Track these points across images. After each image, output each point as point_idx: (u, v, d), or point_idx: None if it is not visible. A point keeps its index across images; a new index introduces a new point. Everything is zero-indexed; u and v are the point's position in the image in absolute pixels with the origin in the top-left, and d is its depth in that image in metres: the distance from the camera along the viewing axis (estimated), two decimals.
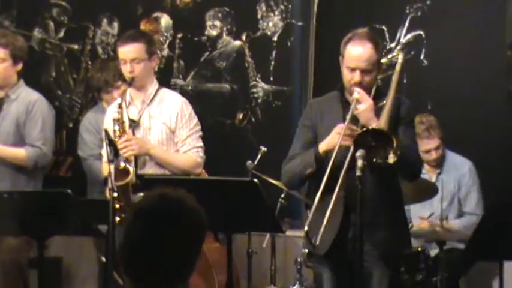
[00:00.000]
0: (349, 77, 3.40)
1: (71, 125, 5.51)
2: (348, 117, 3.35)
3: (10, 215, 3.66)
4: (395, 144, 3.19)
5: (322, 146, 3.39)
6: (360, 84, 3.38)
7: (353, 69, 3.39)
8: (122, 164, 3.83)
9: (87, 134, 4.78)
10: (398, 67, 3.55)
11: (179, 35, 5.33)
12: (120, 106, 3.97)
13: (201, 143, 4.10)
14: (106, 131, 3.76)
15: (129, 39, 4.02)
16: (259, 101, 5.18)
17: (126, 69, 4.00)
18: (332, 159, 3.29)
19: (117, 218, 3.71)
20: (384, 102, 3.37)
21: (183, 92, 4.94)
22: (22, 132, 4.40)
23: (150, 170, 3.99)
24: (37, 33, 5.59)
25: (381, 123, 3.28)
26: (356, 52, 3.38)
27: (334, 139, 3.33)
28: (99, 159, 4.68)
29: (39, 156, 4.38)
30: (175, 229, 2.09)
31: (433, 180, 4.56)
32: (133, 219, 2.12)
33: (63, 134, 5.50)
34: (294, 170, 3.47)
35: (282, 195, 4.45)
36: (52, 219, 3.59)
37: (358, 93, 3.36)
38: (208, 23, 5.27)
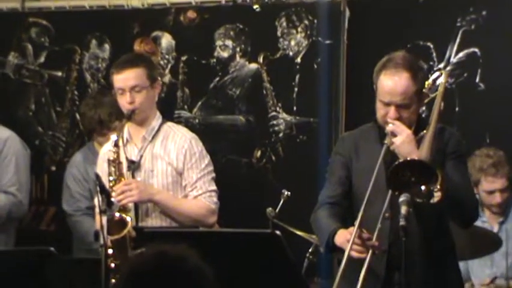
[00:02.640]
0: (382, 112, 3.44)
1: (53, 168, 5.55)
2: (380, 158, 3.35)
3: None
4: (440, 179, 3.19)
5: (339, 238, 3.36)
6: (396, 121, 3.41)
7: (387, 104, 3.44)
8: (118, 215, 3.87)
9: (73, 184, 4.81)
10: (440, 89, 3.57)
11: (183, 58, 5.38)
12: (116, 144, 3.98)
13: (214, 186, 4.12)
14: (97, 176, 3.80)
15: (127, 64, 4.07)
16: (281, 135, 5.21)
17: (125, 101, 4.04)
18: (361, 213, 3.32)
19: (113, 280, 3.74)
20: (424, 132, 3.40)
21: (189, 126, 4.97)
22: None
23: (153, 221, 4.02)
24: (12, 58, 5.67)
25: (421, 154, 3.30)
26: (389, 84, 3.40)
27: (344, 245, 3.32)
28: (87, 214, 4.72)
29: (14, 204, 4.42)
30: None
31: (495, 230, 4.54)
32: (125, 283, 2.15)
33: (45, 179, 5.55)
34: (316, 231, 3.55)
35: (310, 250, 4.46)
36: (31, 283, 3.62)
37: (393, 124, 3.40)
38: (218, 42, 5.33)
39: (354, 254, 3.28)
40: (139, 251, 3.71)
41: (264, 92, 5.23)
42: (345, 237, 3.32)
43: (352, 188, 3.52)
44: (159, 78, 4.27)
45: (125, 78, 4.03)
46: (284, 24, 5.20)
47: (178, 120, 5.17)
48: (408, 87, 3.41)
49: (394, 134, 3.39)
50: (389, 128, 3.41)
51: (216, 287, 2.17)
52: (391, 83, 3.41)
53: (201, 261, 2.18)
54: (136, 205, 4.01)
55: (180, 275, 2.14)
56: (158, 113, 4.21)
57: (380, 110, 3.44)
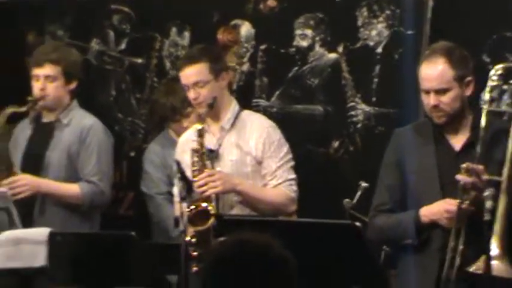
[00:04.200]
0: (425, 101, 3.46)
1: (132, 154, 5.61)
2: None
3: (63, 260, 3.79)
4: None
5: (425, 217, 3.39)
6: (437, 108, 3.41)
7: (427, 92, 3.42)
8: (203, 205, 3.90)
9: (152, 169, 4.85)
10: None
11: (262, 47, 5.38)
12: (200, 134, 4.01)
13: (293, 175, 4.14)
14: (178, 163, 3.84)
15: (187, 61, 4.10)
16: (359, 126, 5.18)
17: (190, 96, 4.09)
18: None
19: (194, 268, 3.78)
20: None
21: (266, 115, 4.96)
22: (75, 164, 4.51)
23: (232, 210, 4.03)
24: (95, 44, 5.75)
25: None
26: (426, 71, 3.49)
27: (441, 218, 3.34)
28: (167, 199, 4.78)
29: (96, 194, 4.48)
30: (259, 283, 2.13)
31: None
32: (209, 272, 2.16)
33: (124, 165, 5.63)
34: (386, 233, 3.53)
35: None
36: (113, 267, 3.70)
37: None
38: (298, 31, 5.32)
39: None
40: (222, 239, 3.79)
41: (343, 82, 5.20)
42: (444, 209, 3.30)
43: (406, 186, 3.52)
44: (228, 67, 4.27)
45: (186, 76, 4.07)
46: (365, 13, 5.16)
47: (256, 109, 5.16)
48: (444, 71, 3.44)
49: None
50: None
51: (297, 277, 2.18)
52: (427, 68, 3.48)
53: (284, 251, 2.19)
54: (217, 195, 4.02)
55: (263, 264, 2.15)
56: (235, 102, 4.23)
57: (424, 100, 3.48)
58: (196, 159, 4.00)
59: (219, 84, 4.10)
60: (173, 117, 4.78)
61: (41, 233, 3.80)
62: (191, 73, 4.05)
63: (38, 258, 3.75)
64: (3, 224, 4.07)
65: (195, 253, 3.87)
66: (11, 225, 4.07)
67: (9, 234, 3.91)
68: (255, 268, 2.13)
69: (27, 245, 3.77)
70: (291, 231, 3.37)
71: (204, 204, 3.91)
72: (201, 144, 4.01)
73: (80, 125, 4.54)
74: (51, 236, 3.79)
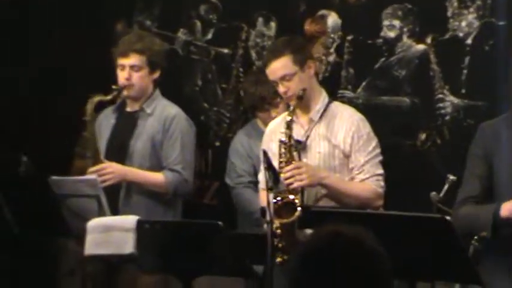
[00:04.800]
0: None
1: (218, 144, 5.65)
2: None
3: (151, 248, 3.84)
4: None
5: (506, 211, 3.31)
6: None
7: None
8: (290, 197, 3.89)
9: (237, 159, 4.87)
10: None
11: (349, 37, 5.34)
12: (288, 126, 3.99)
13: (381, 170, 4.09)
14: (265, 152, 3.84)
15: (272, 56, 4.08)
16: (447, 118, 5.10)
17: (280, 91, 4.08)
18: None
19: (278, 259, 3.79)
20: None
21: (352, 107, 4.95)
22: (159, 153, 4.54)
23: (318, 203, 4.01)
24: (181, 34, 5.79)
25: None
26: None
27: None
28: (248, 187, 4.80)
29: (180, 182, 4.50)
30: (353, 277, 2.11)
31: None
32: (301, 263, 2.14)
33: (209, 154, 5.66)
34: (466, 224, 3.45)
35: (476, 237, 4.35)
36: (199, 256, 3.73)
37: None
38: (385, 22, 5.26)
39: None
40: (307, 231, 3.79)
41: (431, 73, 5.13)
42: None
43: (494, 181, 3.44)
44: (312, 56, 4.24)
45: (272, 71, 4.05)
46: (455, 4, 5.07)
47: (341, 100, 5.12)
48: None
49: None
50: None
51: (390, 271, 2.16)
52: None
53: (377, 244, 2.16)
54: (303, 188, 3.99)
55: (356, 257, 2.12)
56: (324, 93, 4.20)
57: None
58: (283, 150, 3.98)
59: (306, 73, 4.08)
60: (261, 107, 4.79)
61: (129, 220, 3.85)
62: (276, 68, 4.03)
63: (127, 245, 3.80)
64: (92, 212, 4.14)
65: (280, 244, 3.87)
66: (101, 213, 4.14)
67: (99, 221, 3.97)
68: (349, 260, 2.11)
69: (116, 232, 3.83)
70: (379, 223, 3.34)
71: (291, 197, 3.89)
72: (289, 136, 3.99)
73: (163, 115, 4.57)
74: (140, 223, 3.83)
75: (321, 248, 2.15)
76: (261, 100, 4.76)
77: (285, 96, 4.07)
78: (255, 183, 4.78)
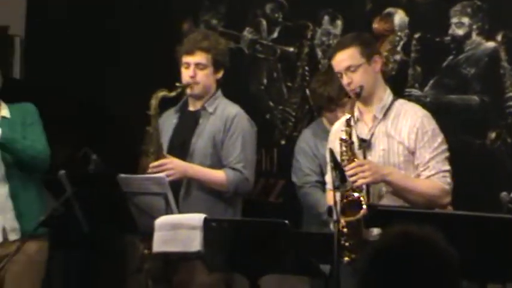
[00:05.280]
0: None
1: (283, 142, 5.66)
2: None
3: (218, 246, 3.86)
4: None
5: None
6: None
7: None
8: (355, 195, 3.88)
9: (303, 158, 4.86)
10: None
11: (416, 35, 5.29)
12: (348, 124, 3.98)
13: (447, 166, 4.04)
14: (331, 151, 3.83)
15: (339, 47, 4.07)
16: None
17: (344, 82, 4.06)
18: None
19: (346, 258, 3.77)
20: None
21: (420, 105, 4.91)
22: (219, 152, 4.55)
23: (384, 201, 3.97)
24: (247, 33, 5.81)
25: None
26: None
27: None
28: (316, 186, 4.79)
29: (241, 181, 4.50)
30: (423, 277, 2.09)
31: None
32: (370, 264, 2.13)
33: (274, 152, 5.67)
34: None
35: None
36: (266, 254, 3.73)
37: None
38: (454, 20, 5.20)
39: None
40: (374, 230, 3.77)
41: (501, 71, 5.05)
42: None
43: None
44: (380, 51, 4.22)
45: (338, 61, 4.04)
46: None
47: (408, 99, 5.06)
48: None
49: None
50: None
51: (460, 273, 2.14)
52: None
53: (448, 245, 2.14)
54: (368, 186, 3.98)
55: (426, 257, 2.10)
56: (388, 90, 4.17)
57: None
58: (344, 149, 3.97)
59: (372, 67, 4.06)
60: (328, 107, 4.78)
61: (197, 218, 3.87)
62: (342, 58, 4.02)
63: (194, 243, 3.83)
64: (160, 209, 4.17)
65: (347, 243, 3.85)
66: (168, 211, 4.17)
67: (166, 218, 4.01)
68: (419, 261, 2.09)
69: (184, 230, 3.85)
70: (447, 223, 3.30)
71: (355, 195, 3.88)
72: (349, 134, 3.97)
73: (224, 114, 4.57)
74: (206, 221, 3.85)
75: (390, 248, 2.13)
76: (329, 100, 4.75)
77: (348, 88, 4.04)
78: (322, 183, 4.78)
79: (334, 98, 4.71)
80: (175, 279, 4.42)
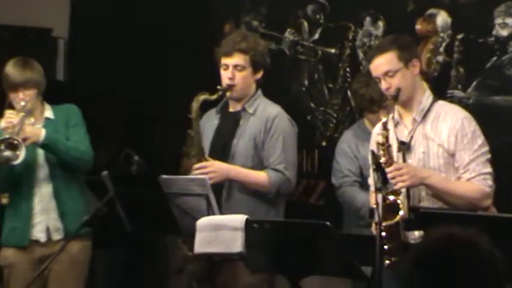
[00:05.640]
0: None
1: (324, 144, 5.65)
2: None
3: (259, 247, 3.86)
4: None
5: None
6: None
7: None
8: (392, 198, 3.87)
9: (343, 159, 4.86)
10: None
11: (459, 36, 5.24)
12: (385, 127, 3.95)
13: (489, 169, 3.99)
14: (373, 153, 3.81)
15: (377, 52, 4.03)
16: None
17: (382, 87, 4.04)
18: None
19: (386, 261, 3.75)
20: None
21: (462, 107, 4.83)
22: (260, 153, 4.54)
23: (424, 203, 3.94)
24: (288, 34, 5.81)
25: None
26: None
27: None
28: (353, 185, 4.78)
29: (283, 182, 4.49)
30: (468, 280, 2.07)
31: None
32: (414, 267, 2.12)
33: (315, 154, 5.66)
34: None
35: None
36: (308, 255, 3.73)
37: None
38: (498, 20, 5.14)
39: None
40: (415, 232, 3.75)
41: None
42: None
43: None
44: (417, 55, 4.19)
45: (376, 66, 4.00)
46: None
47: (451, 100, 5.03)
48: None
49: None
50: None
51: (505, 275, 2.12)
52: None
53: (493, 247, 2.12)
54: (408, 189, 3.94)
55: (470, 260, 2.09)
56: (428, 92, 4.13)
57: None
58: (382, 152, 3.94)
59: (410, 71, 4.02)
60: (370, 108, 4.76)
61: (238, 219, 3.88)
62: (380, 63, 3.99)
63: (236, 244, 3.83)
64: (201, 210, 4.18)
65: (386, 246, 3.83)
66: (209, 212, 4.18)
67: (208, 220, 4.01)
68: (463, 264, 2.08)
69: (225, 231, 3.86)
70: (490, 225, 3.27)
71: (391, 197, 3.85)
72: (386, 137, 3.94)
73: (264, 115, 4.57)
74: (248, 223, 3.86)
75: (434, 251, 2.12)
76: (371, 102, 4.73)
77: (387, 93, 4.02)
78: (360, 183, 4.76)
79: (376, 99, 4.68)
80: (219, 280, 4.44)
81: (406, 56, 4.00)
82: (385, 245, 3.81)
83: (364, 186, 4.68)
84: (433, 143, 4.01)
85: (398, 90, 3.97)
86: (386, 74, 3.98)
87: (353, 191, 4.78)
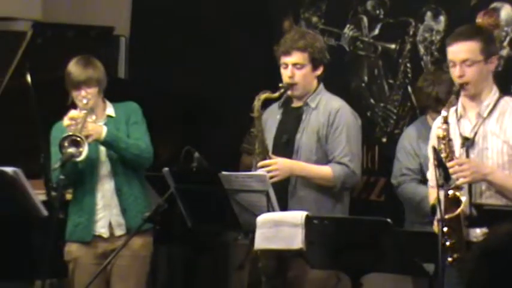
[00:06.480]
0: None
1: (384, 140, 5.60)
2: None
3: (319, 244, 3.83)
4: None
5: None
6: None
7: None
8: (451, 192, 3.80)
9: (404, 157, 4.80)
10: None
11: None
12: (445, 121, 3.88)
13: None
14: (435, 149, 3.75)
15: (461, 37, 3.94)
16: None
17: (454, 74, 3.95)
18: None
19: (449, 258, 3.70)
20: None
21: None
22: (324, 147, 4.52)
23: (487, 200, 3.89)
24: (348, 30, 5.77)
25: None
26: None
27: None
28: (411, 182, 4.73)
29: (347, 175, 4.47)
30: None
31: None
32: (480, 264, 2.09)
33: (376, 150, 5.61)
34: None
35: None
36: (368, 252, 3.70)
37: None
38: None
39: None
40: (477, 230, 3.68)
41: None
42: None
43: None
44: (497, 54, 4.11)
45: (456, 51, 3.90)
46: None
47: None
48: None
49: None
50: None
51: None
52: None
53: None
54: (470, 184, 3.88)
55: None
56: (495, 88, 4.04)
57: None
58: (442, 146, 3.88)
59: (487, 67, 3.93)
60: (435, 108, 4.67)
61: (298, 215, 3.86)
62: (462, 49, 3.89)
63: (296, 240, 3.82)
64: (261, 207, 4.17)
65: (448, 242, 3.77)
66: (269, 208, 4.17)
67: (268, 216, 4.00)
68: None
69: (285, 227, 3.84)
70: None
71: (449, 192, 3.79)
72: (447, 131, 3.87)
73: (327, 108, 4.54)
74: (308, 219, 3.83)
75: (500, 248, 2.09)
76: (437, 101, 4.65)
77: (459, 81, 3.92)
78: (420, 180, 4.69)
79: (442, 99, 4.60)
80: (289, 275, 4.44)
81: (488, 51, 3.92)
82: (446, 241, 3.75)
83: (424, 183, 4.62)
84: (497, 139, 3.93)
85: (466, 84, 3.89)
86: (464, 61, 3.88)
87: (412, 187, 4.73)
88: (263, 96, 4.52)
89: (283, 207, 4.34)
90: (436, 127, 4.02)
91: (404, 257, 3.69)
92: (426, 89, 4.73)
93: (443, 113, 3.92)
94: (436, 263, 3.58)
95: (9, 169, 4.53)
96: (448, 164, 3.81)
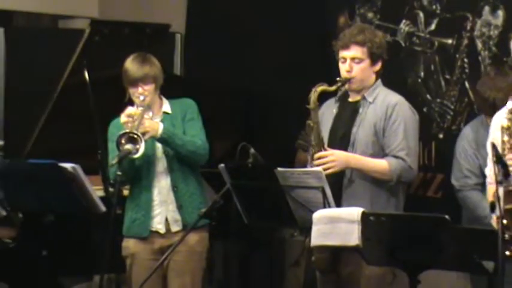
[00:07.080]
0: None
1: (441, 136, 5.52)
2: None
3: (376, 240, 3.79)
4: None
5: None
6: None
7: None
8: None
9: (463, 158, 4.74)
10: None
11: None
12: (511, 111, 3.78)
13: None
14: (493, 145, 3.69)
15: None
16: None
17: None
18: None
19: (507, 252, 3.63)
20: None
21: None
22: (381, 141, 4.50)
23: None
24: (404, 25, 5.71)
25: None
26: None
27: None
28: (475, 189, 4.65)
29: (404, 169, 4.43)
30: None
31: None
32: None
33: (432, 146, 5.54)
34: None
35: None
36: (426, 249, 3.65)
37: None
38: None
39: None
40: None
41: None
42: None
43: None
44: None
45: None
46: None
47: None
48: None
49: None
50: None
51: None
52: None
53: None
54: None
55: None
56: None
57: None
58: (506, 138, 3.80)
59: None
60: (490, 113, 4.54)
61: (354, 212, 3.83)
62: None
63: (352, 237, 3.79)
64: (317, 203, 4.16)
65: (507, 235, 3.69)
66: (325, 205, 4.15)
67: (324, 212, 3.98)
68: None
69: (342, 224, 3.82)
70: None
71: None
72: None
73: (385, 103, 4.52)
74: (364, 215, 3.80)
75: None
76: (493, 107, 4.56)
77: None
78: (482, 184, 4.61)
79: (499, 106, 4.52)
80: (345, 271, 4.42)
81: None
82: (505, 234, 3.68)
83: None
84: None
85: None
86: None
87: (476, 199, 4.64)
88: (320, 88, 4.52)
89: (337, 200, 4.31)
90: (501, 118, 3.94)
91: (463, 254, 3.63)
92: (484, 94, 4.66)
93: (510, 104, 3.84)
94: (496, 260, 3.52)
95: (68, 165, 4.59)
96: (509, 156, 3.74)
